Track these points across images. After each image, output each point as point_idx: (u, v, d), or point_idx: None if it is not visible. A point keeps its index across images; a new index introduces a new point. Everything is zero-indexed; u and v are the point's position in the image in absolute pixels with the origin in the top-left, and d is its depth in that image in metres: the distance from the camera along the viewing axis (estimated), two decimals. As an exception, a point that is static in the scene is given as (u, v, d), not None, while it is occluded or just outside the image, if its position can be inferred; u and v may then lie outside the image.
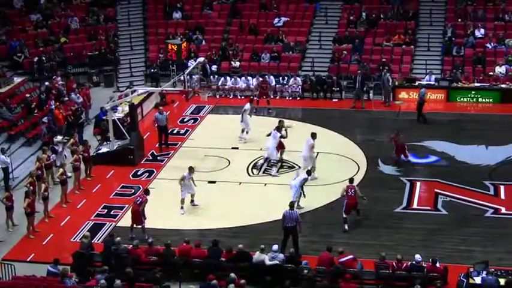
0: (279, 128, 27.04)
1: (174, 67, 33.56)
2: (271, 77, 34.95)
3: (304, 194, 23.88)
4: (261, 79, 34.01)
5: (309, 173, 24.47)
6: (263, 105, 32.65)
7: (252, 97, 31.90)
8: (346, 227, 22.86)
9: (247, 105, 29.69)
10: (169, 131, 29.68)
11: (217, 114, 33.06)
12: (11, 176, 26.34)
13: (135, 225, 22.62)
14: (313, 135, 26.16)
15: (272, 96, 34.36)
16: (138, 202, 22.69)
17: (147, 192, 23.26)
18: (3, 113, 30.12)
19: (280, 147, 27.05)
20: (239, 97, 34.70)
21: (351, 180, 23.73)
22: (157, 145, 29.16)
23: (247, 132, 29.41)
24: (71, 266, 20.36)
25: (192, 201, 24.59)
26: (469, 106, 33.42)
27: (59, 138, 27.57)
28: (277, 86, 34.90)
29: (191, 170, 24.40)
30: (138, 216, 22.49)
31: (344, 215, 22.92)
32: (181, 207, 24.20)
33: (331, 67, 36.21)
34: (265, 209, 23.79)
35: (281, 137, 26.98)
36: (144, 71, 37.53)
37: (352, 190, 22.95)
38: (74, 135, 28.14)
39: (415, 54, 36.76)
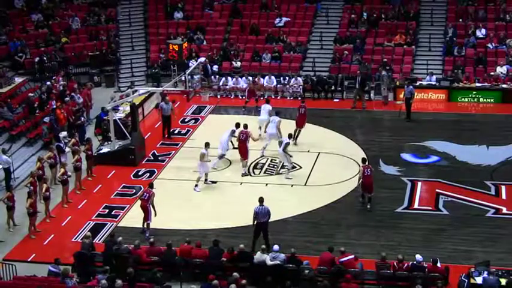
0: (237, 126, 27.39)
1: (175, 67, 33.52)
2: (272, 77, 34.96)
3: (290, 155, 25.99)
4: (250, 78, 34.11)
5: (290, 136, 25.97)
6: (252, 105, 32.69)
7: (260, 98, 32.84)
8: (361, 199, 24.26)
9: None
10: (171, 131, 29.95)
11: (218, 114, 33.05)
12: (12, 176, 26.34)
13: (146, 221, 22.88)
14: (277, 113, 28.34)
15: (273, 97, 34.38)
16: (145, 197, 22.79)
17: (151, 186, 23.39)
18: (5, 113, 30.10)
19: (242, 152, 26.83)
20: (240, 97, 34.69)
21: (364, 160, 24.62)
22: (159, 144, 29.28)
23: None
24: (72, 266, 20.37)
25: (206, 180, 25.54)
26: (470, 106, 33.40)
27: (64, 133, 27.68)
28: (278, 86, 34.91)
29: (207, 145, 25.59)
30: (147, 211, 22.65)
31: (362, 192, 24.09)
32: (196, 185, 25.27)
33: (332, 67, 36.18)
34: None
35: (235, 137, 27.14)
36: (145, 71, 37.53)
37: (368, 169, 23.78)
38: (74, 135, 28.14)
39: (416, 55, 36.73)
